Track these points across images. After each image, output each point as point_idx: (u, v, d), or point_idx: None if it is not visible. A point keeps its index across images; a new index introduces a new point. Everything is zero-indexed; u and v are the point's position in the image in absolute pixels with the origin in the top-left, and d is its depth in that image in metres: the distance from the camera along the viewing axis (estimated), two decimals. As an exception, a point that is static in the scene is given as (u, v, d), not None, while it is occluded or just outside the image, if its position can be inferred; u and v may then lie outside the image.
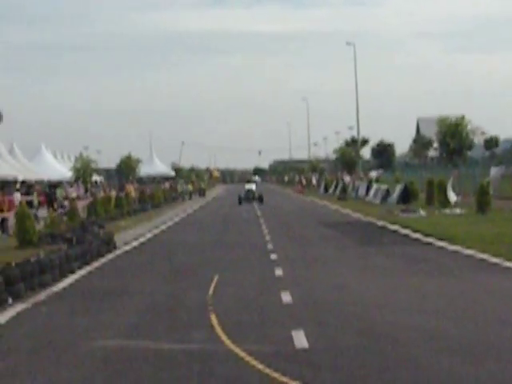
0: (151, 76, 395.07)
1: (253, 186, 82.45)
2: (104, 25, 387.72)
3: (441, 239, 28.14)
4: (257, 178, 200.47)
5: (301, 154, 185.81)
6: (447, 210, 45.35)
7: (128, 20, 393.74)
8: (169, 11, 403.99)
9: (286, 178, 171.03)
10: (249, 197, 77.00)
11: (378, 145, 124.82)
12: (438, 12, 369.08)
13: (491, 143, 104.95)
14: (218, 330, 12.66)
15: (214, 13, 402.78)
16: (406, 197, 54.11)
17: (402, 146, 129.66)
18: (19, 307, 15.84)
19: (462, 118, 52.55)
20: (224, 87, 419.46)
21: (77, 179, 61.85)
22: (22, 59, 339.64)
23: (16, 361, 11.19)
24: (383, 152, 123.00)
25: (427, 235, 30.15)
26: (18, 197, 43.64)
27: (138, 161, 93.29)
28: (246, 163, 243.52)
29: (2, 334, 13.25)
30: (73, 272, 21.56)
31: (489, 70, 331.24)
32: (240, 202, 74.10)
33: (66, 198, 50.38)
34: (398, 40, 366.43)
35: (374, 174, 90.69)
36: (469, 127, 52.56)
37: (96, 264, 24.08)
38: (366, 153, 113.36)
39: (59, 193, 53.62)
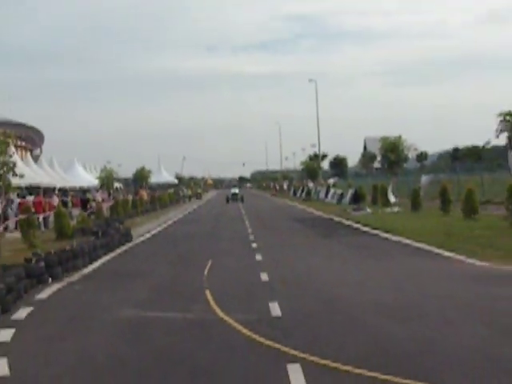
0: (160, 106, 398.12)
1: (236, 190, 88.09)
2: (122, 67, 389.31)
3: (384, 231, 28.26)
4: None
5: (275, 166, 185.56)
6: (388, 209, 45.48)
7: (139, 63, 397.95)
8: (172, 57, 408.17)
9: (264, 184, 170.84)
10: (234, 198, 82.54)
11: (335, 158, 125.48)
12: (378, 56, 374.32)
13: (421, 157, 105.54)
14: (212, 302, 12.63)
15: (208, 58, 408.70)
16: (356, 198, 54.21)
17: (353, 159, 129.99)
18: (57, 286, 15.76)
19: (399, 137, 52.66)
20: (216, 115, 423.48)
21: (102, 186, 61.78)
22: (58, 93, 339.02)
23: (54, 326, 11.19)
24: (338, 164, 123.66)
25: (373, 228, 30.25)
26: (56, 200, 43.52)
27: (149, 172, 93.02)
28: (233, 173, 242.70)
29: (43, 306, 13.21)
30: (99, 258, 21.51)
31: (420, 99, 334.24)
32: (227, 201, 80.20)
33: (94, 200, 50.28)
34: (349, 77, 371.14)
35: (331, 181, 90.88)
36: (404, 144, 52.73)
37: (117, 252, 24.03)
38: (325, 165, 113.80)
39: (90, 197, 53.69)
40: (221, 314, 11.54)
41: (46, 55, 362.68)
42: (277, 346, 9.02)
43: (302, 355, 8.42)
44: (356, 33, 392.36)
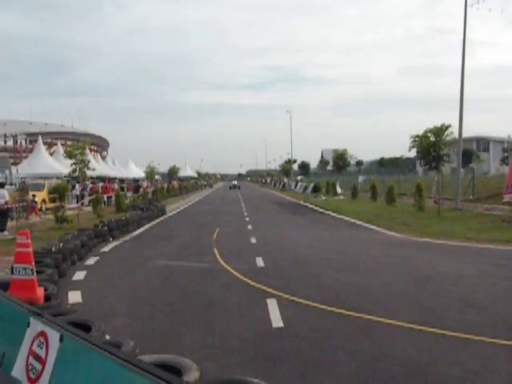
0: (185, 125, 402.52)
1: (235, 182, 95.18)
2: (163, 99, 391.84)
3: (332, 211, 28.26)
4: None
5: (262, 166, 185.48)
6: (336, 197, 45.60)
7: (170, 96, 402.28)
8: (192, 92, 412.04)
9: (254, 179, 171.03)
10: (233, 187, 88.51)
11: (301, 163, 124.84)
12: (330, 95, 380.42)
13: (359, 163, 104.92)
14: (218, 257, 12.58)
15: (216, 94, 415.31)
16: (315, 189, 54.23)
17: (314, 163, 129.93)
18: (115, 243, 15.68)
19: (345, 150, 52.97)
20: (223, 131, 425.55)
21: (147, 177, 61.76)
22: (118, 114, 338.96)
23: (112, 270, 11.11)
24: (304, 167, 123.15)
25: (326, 209, 30.26)
26: (116, 186, 43.41)
27: (179, 168, 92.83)
28: (234, 170, 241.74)
29: (106, 256, 13.15)
30: (143, 225, 21.43)
31: (357, 124, 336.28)
32: (230, 188, 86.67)
33: (141, 187, 50.25)
34: (311, 109, 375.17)
35: (299, 177, 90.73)
36: (348, 154, 52.95)
37: (155, 222, 23.91)
38: (295, 167, 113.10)
39: (140, 184, 53.77)
40: (224, 264, 11.50)
41: (111, 89, 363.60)
42: (260, 286, 8.99)
43: (278, 293, 8.39)
44: (314, 79, 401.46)
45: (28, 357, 2.57)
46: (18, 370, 2.61)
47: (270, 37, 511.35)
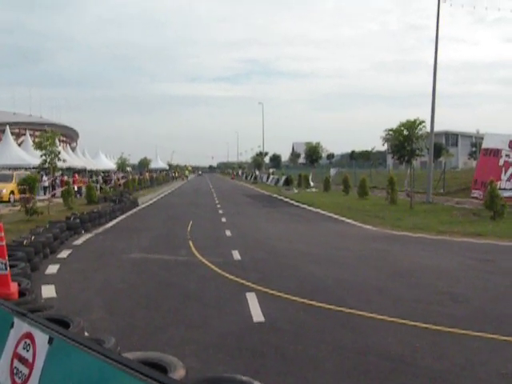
0: (157, 115, 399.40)
1: (200, 172, 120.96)
2: (136, 90, 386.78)
3: (306, 204, 28.28)
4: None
5: (233, 159, 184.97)
6: (308, 190, 45.75)
7: (143, 87, 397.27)
8: (166, 84, 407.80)
9: (226, 171, 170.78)
10: (200, 175, 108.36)
11: (273, 155, 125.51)
12: (304, 88, 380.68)
13: (330, 156, 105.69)
14: (193, 249, 12.45)
15: (191, 86, 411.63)
16: (288, 182, 54.28)
17: (285, 156, 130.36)
18: (88, 236, 15.41)
19: (318, 143, 53.11)
20: (195, 123, 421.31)
21: (118, 169, 61.02)
22: (88, 104, 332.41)
23: (86, 263, 10.88)
24: (275, 159, 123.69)
25: (299, 202, 30.27)
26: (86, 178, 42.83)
27: (150, 160, 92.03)
28: (205, 163, 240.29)
29: (79, 249, 12.88)
30: (116, 218, 21.09)
31: (330, 118, 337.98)
32: (198, 176, 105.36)
33: (111, 179, 49.63)
34: (284, 102, 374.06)
35: (271, 170, 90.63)
36: (320, 147, 53.14)
37: (128, 214, 23.57)
38: (266, 159, 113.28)
39: (113, 176, 53.10)
40: (199, 257, 11.39)
41: (82, 80, 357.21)
42: (238, 280, 8.91)
43: (256, 287, 8.31)
44: (289, 72, 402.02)
45: (12, 360, 2.41)
46: (0, 375, 2.45)
47: (246, 29, 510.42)
